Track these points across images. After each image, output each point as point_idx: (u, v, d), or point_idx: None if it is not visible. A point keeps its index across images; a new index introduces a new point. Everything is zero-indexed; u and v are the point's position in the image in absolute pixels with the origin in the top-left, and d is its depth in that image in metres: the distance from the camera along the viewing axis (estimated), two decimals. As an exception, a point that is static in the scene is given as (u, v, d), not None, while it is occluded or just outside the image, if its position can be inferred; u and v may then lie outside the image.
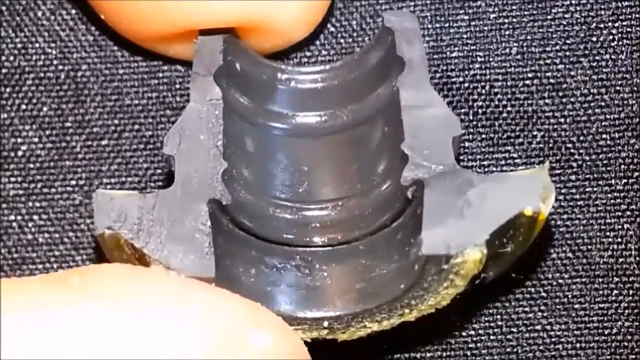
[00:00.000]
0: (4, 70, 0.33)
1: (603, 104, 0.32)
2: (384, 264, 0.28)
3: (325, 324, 0.27)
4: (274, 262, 0.28)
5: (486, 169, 0.32)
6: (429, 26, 0.32)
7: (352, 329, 0.28)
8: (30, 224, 0.33)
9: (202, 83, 0.29)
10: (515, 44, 0.32)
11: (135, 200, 0.27)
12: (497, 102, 0.32)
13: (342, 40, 0.32)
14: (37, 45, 0.33)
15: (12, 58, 0.33)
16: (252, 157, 0.30)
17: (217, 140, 0.28)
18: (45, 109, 0.33)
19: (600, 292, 0.32)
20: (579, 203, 0.32)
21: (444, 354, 0.32)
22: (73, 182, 0.33)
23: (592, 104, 0.32)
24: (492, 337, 0.32)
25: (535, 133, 0.32)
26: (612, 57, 0.32)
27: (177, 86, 0.33)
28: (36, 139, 0.33)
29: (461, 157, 0.32)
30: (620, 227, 0.32)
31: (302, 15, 0.30)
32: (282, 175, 0.30)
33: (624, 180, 0.32)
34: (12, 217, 0.33)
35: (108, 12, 0.30)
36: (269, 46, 0.31)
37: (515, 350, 0.32)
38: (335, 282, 0.28)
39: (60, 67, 0.33)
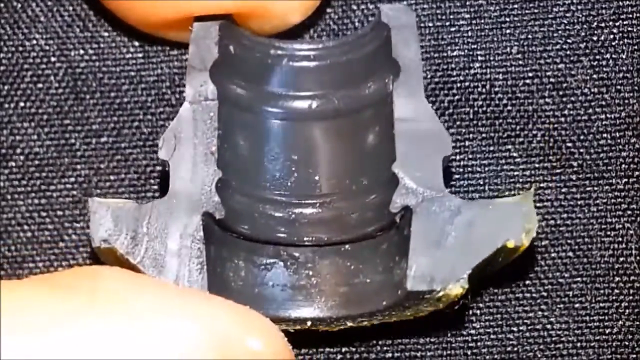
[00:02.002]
0: (1, 68, 0.33)
1: (604, 103, 0.32)
2: (369, 271, 0.29)
3: (309, 323, 0.29)
4: (263, 259, 0.29)
5: (486, 168, 0.32)
6: (430, 24, 0.32)
7: (333, 327, 0.29)
8: (30, 222, 0.33)
9: (198, 79, 0.29)
10: (516, 43, 0.32)
11: (131, 211, 0.28)
12: (497, 102, 0.32)
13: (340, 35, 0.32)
14: (35, 42, 0.33)
15: (9, 55, 0.33)
16: (245, 150, 0.30)
17: (212, 145, 0.28)
18: (43, 106, 0.33)
19: (601, 291, 0.32)
20: (579, 202, 0.32)
21: (444, 353, 0.32)
22: (72, 179, 0.33)
23: (592, 103, 0.32)
24: (492, 337, 0.32)
25: (535, 132, 0.32)
26: (613, 56, 0.32)
27: (176, 83, 0.33)
28: (35, 136, 0.33)
29: (461, 157, 0.32)
30: (620, 226, 0.32)
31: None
32: (273, 165, 0.30)
33: (625, 180, 0.32)
34: (11, 215, 0.33)
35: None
36: (268, 28, 0.31)
37: (515, 349, 0.32)
38: (321, 282, 0.29)
39: (58, 64, 0.33)
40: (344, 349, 0.32)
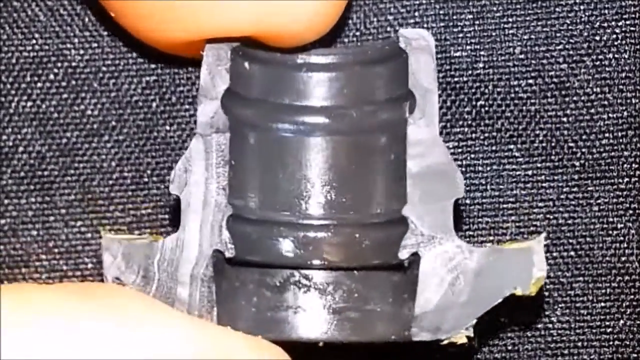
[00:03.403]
0: (2, 67, 0.33)
1: (606, 103, 0.32)
2: (379, 300, 0.29)
3: (321, 344, 0.29)
4: (275, 281, 0.29)
5: (488, 168, 0.32)
6: (433, 25, 0.32)
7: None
8: (33, 220, 0.33)
9: (209, 109, 0.29)
10: (519, 43, 0.32)
11: (142, 248, 0.28)
12: (499, 102, 0.32)
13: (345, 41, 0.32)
14: (35, 42, 0.33)
15: (9, 55, 0.33)
16: (259, 172, 0.30)
17: (223, 180, 0.29)
18: (44, 105, 0.33)
19: (602, 291, 0.32)
20: (581, 202, 0.32)
21: (444, 352, 0.32)
22: (74, 178, 0.33)
23: (595, 103, 0.32)
24: (492, 336, 0.32)
25: (537, 132, 0.32)
26: (616, 56, 0.32)
27: (176, 82, 0.33)
28: (37, 136, 0.33)
29: (464, 157, 0.32)
30: (622, 226, 0.32)
31: (314, 19, 0.29)
32: (288, 185, 0.30)
33: (627, 179, 0.32)
34: (15, 214, 0.33)
35: (122, 15, 0.30)
36: (281, 46, 0.30)
37: (516, 348, 0.32)
38: (333, 305, 0.29)
39: (59, 64, 0.33)
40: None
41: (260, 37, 0.30)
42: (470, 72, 0.32)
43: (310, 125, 0.30)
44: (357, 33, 0.32)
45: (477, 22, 0.32)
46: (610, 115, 0.32)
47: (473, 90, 0.32)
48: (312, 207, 0.30)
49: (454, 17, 0.32)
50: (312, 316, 0.29)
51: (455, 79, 0.32)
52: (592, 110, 0.32)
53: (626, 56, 0.32)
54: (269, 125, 0.30)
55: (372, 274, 0.29)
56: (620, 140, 0.32)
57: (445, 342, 0.28)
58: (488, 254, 0.28)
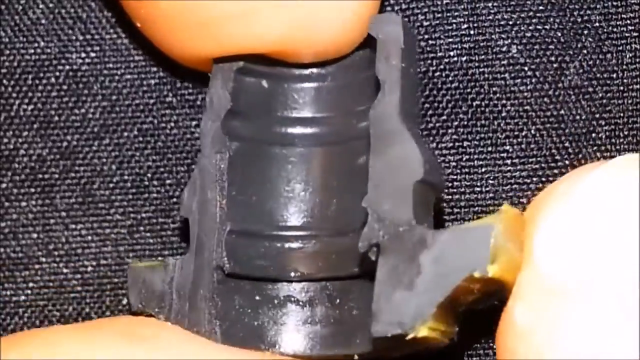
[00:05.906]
0: (3, 71, 0.33)
1: (603, 102, 0.32)
2: (362, 309, 0.29)
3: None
4: (258, 295, 0.30)
5: (484, 168, 0.32)
6: (427, 24, 0.32)
7: None
8: (34, 223, 0.33)
9: (212, 132, 0.30)
10: (515, 42, 0.32)
11: (159, 274, 0.29)
12: (495, 101, 0.32)
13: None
14: (37, 45, 0.33)
15: (11, 58, 0.33)
16: (242, 186, 0.30)
17: (223, 198, 0.29)
18: (45, 108, 0.33)
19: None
20: (578, 203, 0.32)
21: (442, 351, 0.32)
22: (75, 181, 0.33)
23: (592, 102, 0.32)
24: (489, 336, 0.32)
25: (534, 132, 0.32)
26: (613, 55, 0.32)
27: (177, 85, 0.33)
28: (37, 139, 0.33)
29: (459, 157, 0.32)
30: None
31: (345, 34, 0.29)
32: (268, 198, 0.30)
33: (624, 180, 0.32)
34: (15, 217, 0.33)
35: (149, 26, 0.30)
36: (300, 61, 0.30)
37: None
38: (315, 318, 0.29)
39: (60, 66, 0.33)
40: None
41: (284, 52, 0.29)
42: (464, 71, 0.32)
43: (293, 137, 0.30)
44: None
45: (471, 19, 0.32)
46: (607, 115, 0.32)
47: (468, 90, 0.32)
48: (293, 220, 0.30)
49: (448, 15, 0.32)
50: (294, 330, 0.29)
51: (450, 79, 0.32)
52: (589, 110, 0.32)
53: (624, 55, 0.32)
54: (252, 137, 0.30)
55: (354, 283, 0.29)
56: (617, 141, 0.32)
57: (411, 335, 0.25)
58: (447, 235, 0.25)
